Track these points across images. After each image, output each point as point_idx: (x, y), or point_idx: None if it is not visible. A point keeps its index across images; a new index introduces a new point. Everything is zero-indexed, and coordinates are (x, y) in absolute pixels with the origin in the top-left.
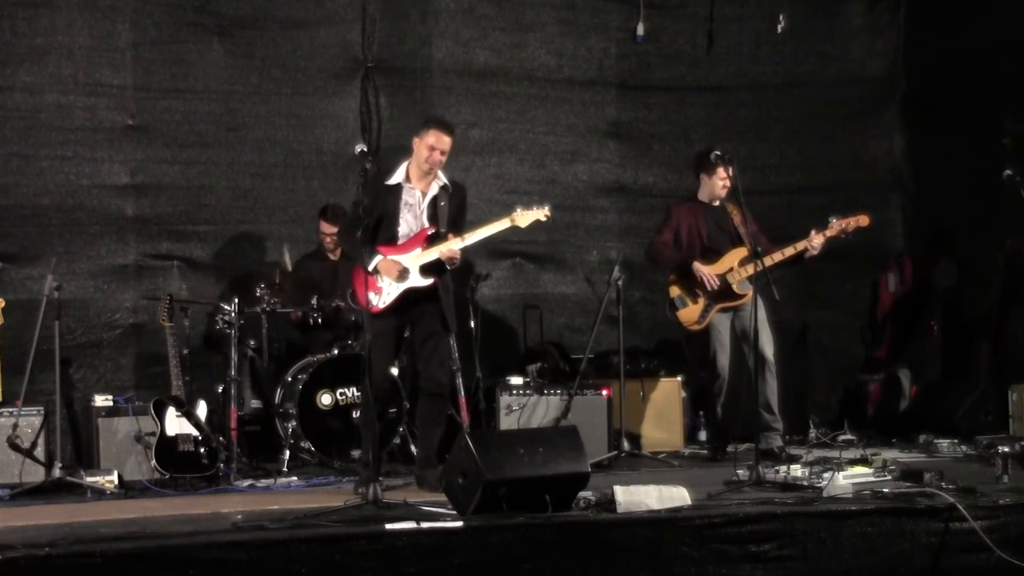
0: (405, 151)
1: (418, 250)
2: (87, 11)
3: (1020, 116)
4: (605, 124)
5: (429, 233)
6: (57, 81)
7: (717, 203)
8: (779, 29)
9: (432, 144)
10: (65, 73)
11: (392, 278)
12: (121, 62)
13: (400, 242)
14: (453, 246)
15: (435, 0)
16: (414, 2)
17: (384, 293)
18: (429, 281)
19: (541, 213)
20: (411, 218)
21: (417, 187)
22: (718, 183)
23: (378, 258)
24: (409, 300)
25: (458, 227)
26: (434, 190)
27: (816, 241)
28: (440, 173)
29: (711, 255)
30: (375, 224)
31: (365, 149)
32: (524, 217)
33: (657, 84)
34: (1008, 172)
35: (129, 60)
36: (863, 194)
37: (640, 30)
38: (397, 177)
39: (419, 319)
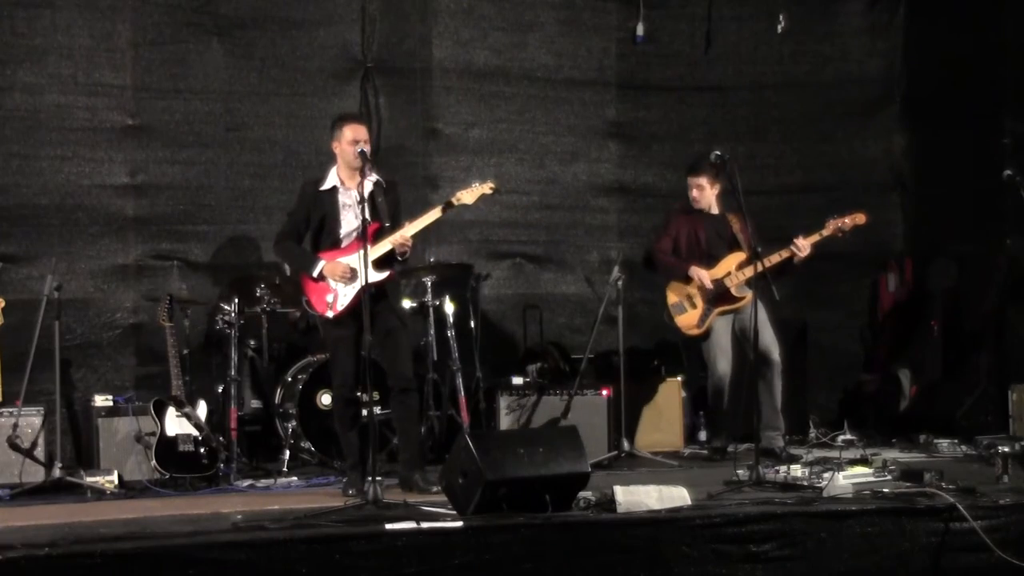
0: (405, 151)
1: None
2: (87, 11)
3: (1020, 116)
4: (605, 124)
5: (374, 229)
6: (57, 81)
7: (717, 211)
8: (779, 29)
9: (353, 138)
10: (65, 73)
11: (338, 280)
12: (121, 62)
13: (344, 244)
14: (406, 233)
15: (435, 0)
16: (414, 2)
17: (340, 296)
18: (385, 274)
19: (486, 187)
20: (352, 218)
21: (351, 188)
22: (691, 192)
23: (321, 263)
24: (366, 300)
25: (396, 221)
26: (368, 187)
27: (800, 243)
28: (369, 170)
29: (710, 261)
30: (316, 231)
31: (365, 149)
32: (469, 194)
33: (657, 84)
34: (1008, 172)
35: (129, 60)
36: (863, 194)
37: (640, 30)
38: (330, 182)
39: (374, 318)
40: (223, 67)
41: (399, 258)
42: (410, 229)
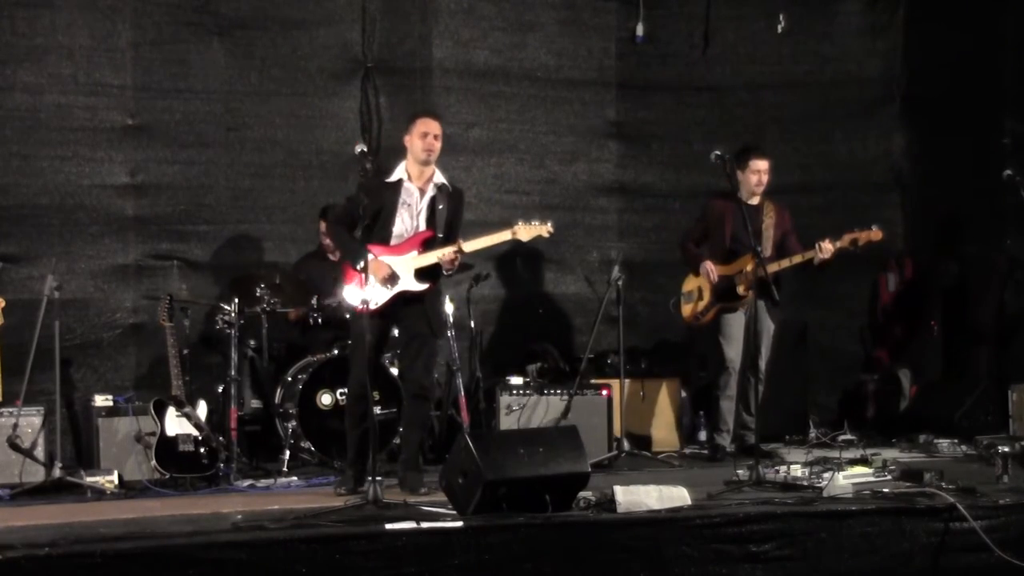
0: (406, 151)
1: (414, 253)
2: (87, 11)
3: (1020, 116)
4: (605, 124)
5: (426, 237)
6: (57, 81)
7: (756, 201)
8: (779, 29)
9: (424, 131)
10: (65, 73)
11: (378, 280)
12: (121, 62)
13: (393, 242)
14: (454, 250)
15: (435, 0)
16: (414, 2)
17: (375, 294)
18: (424, 286)
19: (544, 229)
20: (407, 217)
21: (416, 185)
22: (751, 178)
23: (368, 257)
24: (399, 302)
25: (454, 230)
26: (432, 190)
27: (825, 246)
28: (439, 173)
29: (729, 257)
30: (371, 222)
31: (365, 149)
32: (526, 231)
33: (657, 84)
34: (1008, 172)
35: (129, 60)
36: (863, 194)
37: (640, 30)
38: (397, 175)
39: (404, 320)
40: (223, 67)
41: (445, 273)
42: (468, 247)
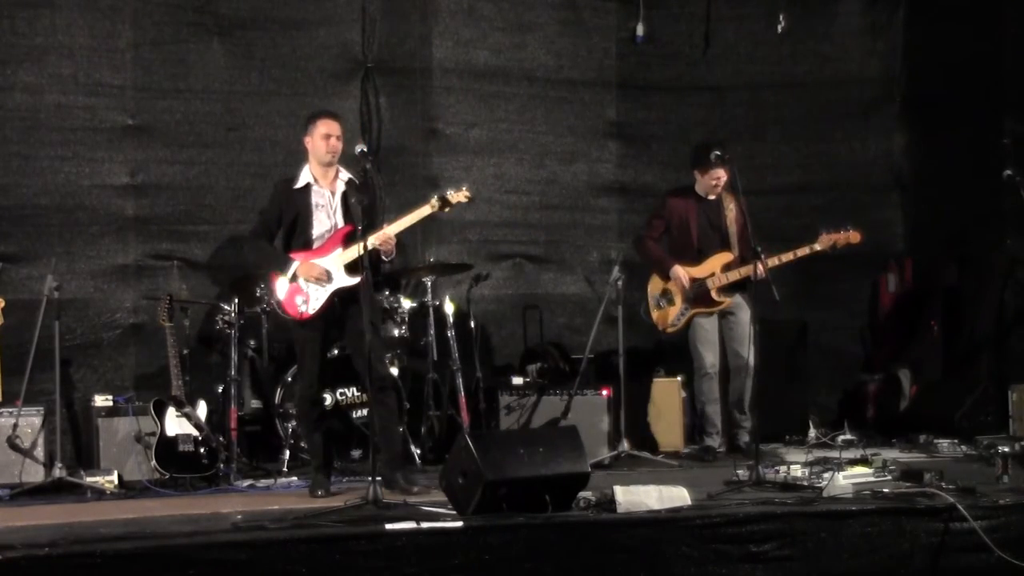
0: (406, 151)
1: (339, 250)
2: (87, 11)
3: (1020, 116)
4: (605, 124)
5: (346, 232)
6: (57, 81)
7: (713, 197)
8: (779, 29)
9: (326, 132)
10: (65, 73)
11: (312, 280)
12: (121, 62)
13: (315, 245)
14: (389, 231)
15: (435, 0)
16: (414, 2)
17: (312, 299)
18: (356, 279)
19: (463, 195)
20: (325, 218)
21: (324, 187)
22: (710, 183)
23: (295, 264)
24: (336, 305)
25: (377, 219)
26: (341, 187)
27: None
28: (343, 170)
29: (697, 257)
30: (289, 230)
31: (365, 149)
32: (452, 197)
33: (657, 84)
34: (1008, 172)
35: (129, 60)
36: (863, 194)
37: (640, 30)
38: (303, 180)
39: (347, 320)
40: (223, 67)
41: (384, 258)
42: (394, 228)
